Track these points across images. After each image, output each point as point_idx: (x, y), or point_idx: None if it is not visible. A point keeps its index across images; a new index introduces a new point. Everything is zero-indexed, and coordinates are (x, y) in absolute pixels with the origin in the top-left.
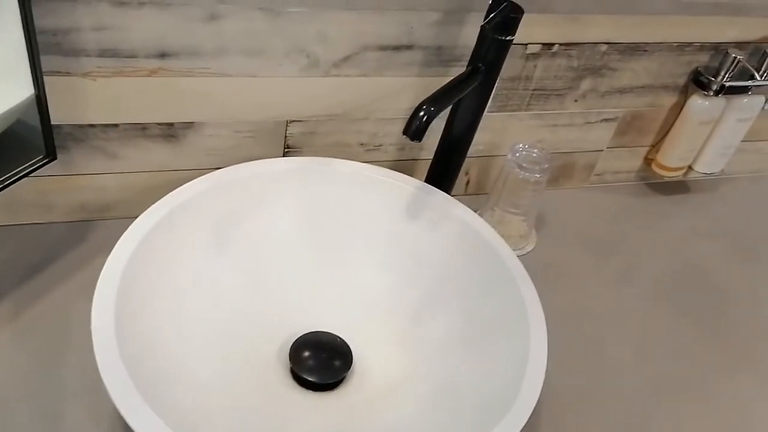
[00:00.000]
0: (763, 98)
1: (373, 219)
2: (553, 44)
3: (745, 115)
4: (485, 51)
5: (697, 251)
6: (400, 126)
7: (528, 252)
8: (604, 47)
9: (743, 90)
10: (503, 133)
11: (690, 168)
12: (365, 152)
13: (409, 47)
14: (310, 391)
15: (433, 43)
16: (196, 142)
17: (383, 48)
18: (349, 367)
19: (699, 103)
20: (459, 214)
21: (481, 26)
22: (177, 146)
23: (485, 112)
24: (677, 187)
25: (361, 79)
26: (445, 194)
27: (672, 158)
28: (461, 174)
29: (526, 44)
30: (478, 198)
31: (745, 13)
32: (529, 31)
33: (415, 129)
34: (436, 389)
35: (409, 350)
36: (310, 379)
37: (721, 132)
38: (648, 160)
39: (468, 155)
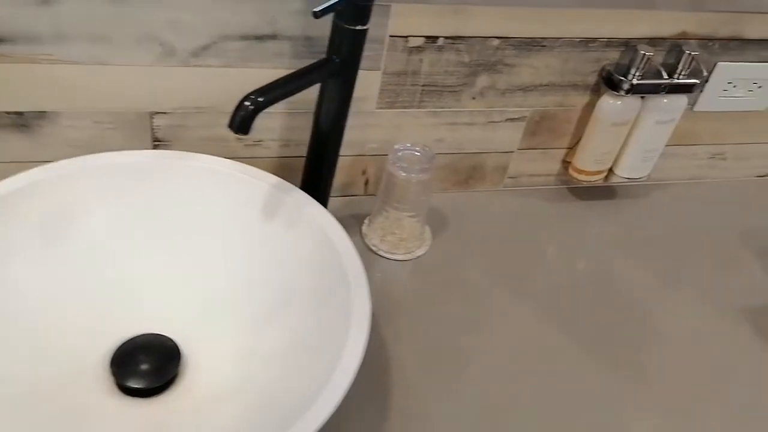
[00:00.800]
0: (685, 99)
1: (220, 218)
2: (437, 37)
3: (665, 117)
4: (338, 42)
5: (607, 262)
6: (279, 120)
7: (418, 256)
8: (495, 42)
9: (658, 89)
10: (398, 130)
11: (612, 172)
12: (244, 148)
13: (272, 37)
14: (134, 398)
15: (300, 34)
16: (55, 133)
17: (244, 37)
18: (176, 371)
19: (610, 104)
20: (312, 216)
21: (333, 17)
22: (33, 137)
23: (374, 108)
24: (601, 193)
25: (225, 69)
26: (302, 193)
27: (587, 161)
28: (359, 173)
29: (406, 37)
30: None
31: (654, 7)
32: (407, 22)
33: (239, 121)
34: (264, 398)
35: (243, 356)
36: (131, 385)
37: (639, 134)
38: (566, 164)
39: (363, 153)
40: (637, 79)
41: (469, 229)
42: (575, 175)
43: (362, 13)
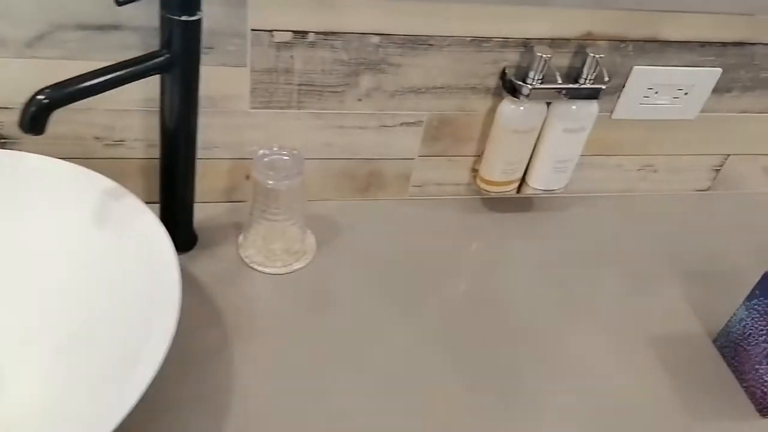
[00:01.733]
0: (595, 105)
1: (38, 226)
2: (306, 32)
3: (573, 125)
4: (168, 34)
5: (512, 280)
6: (140, 118)
7: (295, 270)
8: (375, 39)
9: (560, 95)
10: (281, 133)
11: (525, 183)
12: (104, 147)
13: (116, 27)
14: None
15: (147, 24)
16: None
17: (83, 27)
18: None
19: (510, 110)
20: (140, 227)
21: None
22: None
23: (248, 108)
24: (517, 205)
25: (65, 62)
26: (135, 200)
27: (493, 171)
28: (241, 177)
29: (271, 31)
30: None
31: (548, 4)
32: (270, 15)
33: (29, 119)
34: (68, 420)
35: (48, 378)
36: None
37: (547, 143)
38: (475, 172)
39: (243, 157)
40: (538, 84)
41: (362, 241)
42: (483, 186)
43: (187, 3)
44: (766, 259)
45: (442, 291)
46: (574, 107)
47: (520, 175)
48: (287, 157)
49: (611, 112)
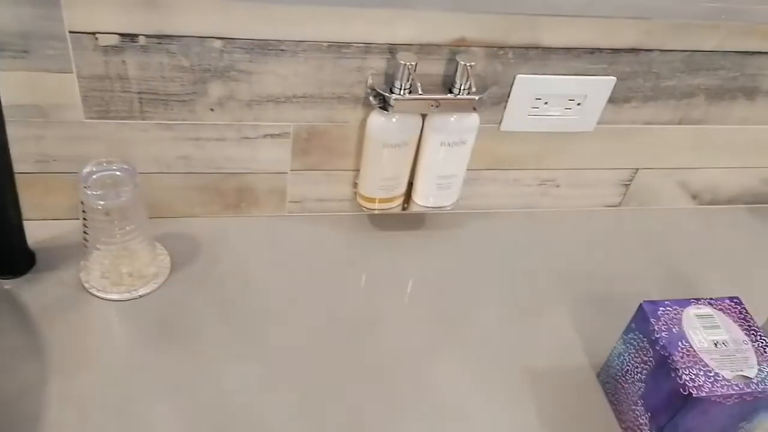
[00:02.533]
0: (475, 117)
1: None
2: (136, 35)
3: (452, 138)
4: None
5: (383, 305)
6: None
7: (141, 295)
8: (217, 43)
9: (430, 107)
10: (124, 145)
11: (412, 200)
12: None
13: None
14: None
15: None
16: None
17: None
18: None
19: (380, 122)
20: None
21: None
22: None
23: (83, 119)
24: (404, 222)
25: None
26: None
27: (371, 188)
28: None
29: (94, 33)
30: None
31: (416, 6)
32: (90, 15)
33: None
34: None
35: None
36: None
37: (426, 158)
38: (357, 188)
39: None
40: (406, 94)
41: (226, 261)
42: (363, 203)
43: None
44: (668, 283)
45: (305, 316)
46: (452, 119)
47: (402, 191)
48: (119, 172)
49: (499, 123)
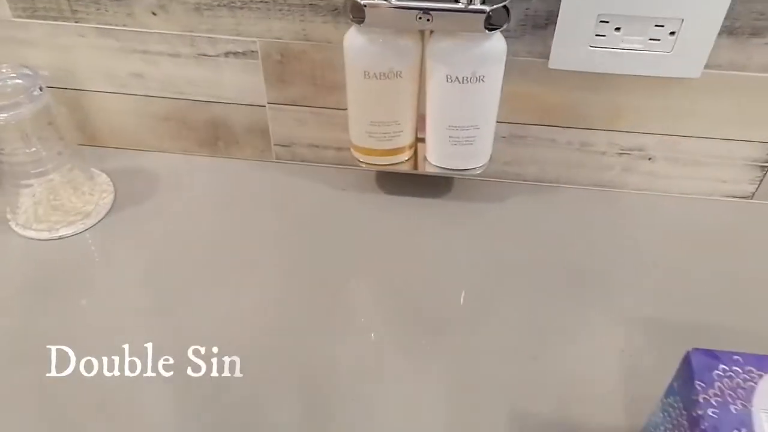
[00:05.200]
0: (498, 41)
1: None
2: None
3: (461, 71)
4: None
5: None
6: None
7: (62, 236)
8: None
9: (428, 21)
10: (65, 53)
11: (426, 158)
12: None
13: None
14: None
15: None
16: None
17: None
18: None
19: (358, 42)
20: None
21: None
22: None
23: (10, 17)
24: (424, 186)
25: None
26: None
27: (356, 132)
28: None
29: None
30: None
31: None
32: None
33: None
34: None
35: None
36: None
37: (430, 99)
38: None
39: None
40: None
41: (181, 208)
42: (355, 154)
43: None
44: None
45: (255, 295)
46: (458, 43)
47: (403, 142)
48: (20, 80)
49: (547, 57)
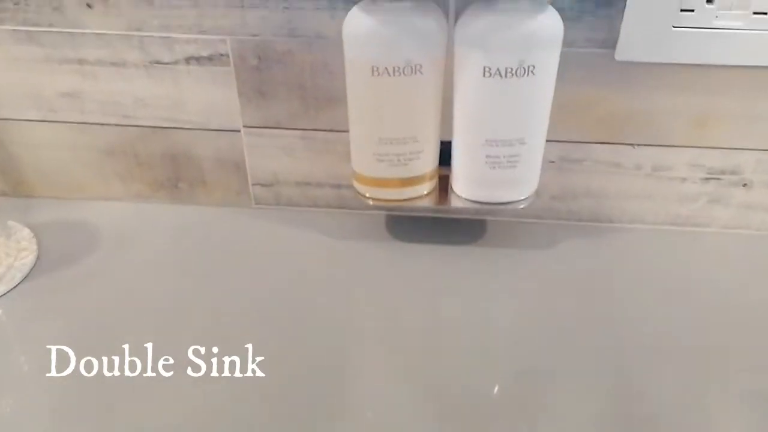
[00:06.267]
0: (553, 17)
1: None
2: None
3: (505, 60)
4: None
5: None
6: None
7: None
8: None
9: None
10: None
11: (451, 189)
12: None
13: None
14: None
15: None
16: None
17: None
18: None
19: (360, 25)
20: None
21: None
22: None
23: None
24: (448, 230)
25: None
26: None
27: (361, 155)
28: None
29: None
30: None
31: None
32: None
33: None
34: None
35: None
36: None
37: (461, 100)
38: None
39: None
40: None
41: (120, 271)
42: (358, 186)
43: None
44: None
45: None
46: (502, 19)
47: (423, 167)
48: None
49: (612, 47)
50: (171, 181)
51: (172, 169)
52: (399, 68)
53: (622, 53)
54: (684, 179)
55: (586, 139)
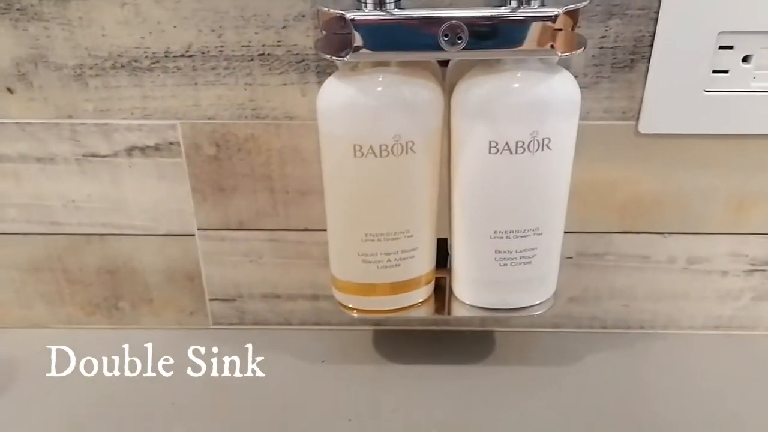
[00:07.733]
0: (568, 80)
1: None
2: None
3: (515, 132)
4: None
5: None
6: None
7: None
8: None
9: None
10: None
11: (453, 293)
12: None
13: None
14: None
15: None
16: None
17: None
18: None
19: (338, 96)
20: None
21: None
22: None
23: None
24: (449, 345)
25: None
26: None
27: (341, 257)
28: None
29: None
30: None
31: None
32: None
33: None
34: None
35: None
36: None
37: (466, 183)
38: None
39: None
40: (391, 6)
41: (41, 418)
42: (338, 296)
43: None
44: None
45: None
46: (511, 83)
47: (418, 269)
48: None
49: (636, 118)
50: (109, 301)
51: (110, 285)
52: (387, 147)
53: (646, 125)
54: (724, 272)
55: (607, 229)
